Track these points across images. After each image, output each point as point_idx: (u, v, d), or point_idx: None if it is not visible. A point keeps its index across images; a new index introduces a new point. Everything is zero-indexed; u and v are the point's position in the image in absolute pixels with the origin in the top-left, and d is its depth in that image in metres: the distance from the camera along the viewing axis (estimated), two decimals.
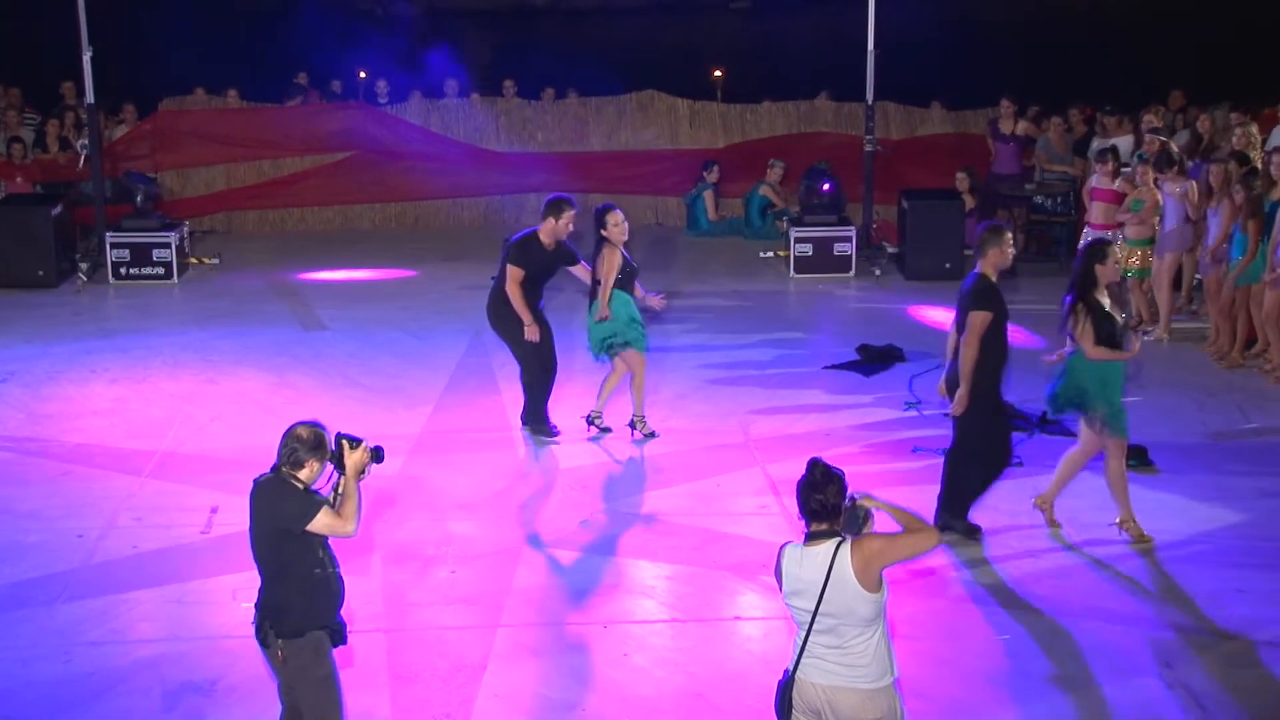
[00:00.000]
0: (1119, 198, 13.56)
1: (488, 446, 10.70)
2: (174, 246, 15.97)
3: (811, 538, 5.53)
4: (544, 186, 17.85)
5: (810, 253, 16.08)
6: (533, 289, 10.59)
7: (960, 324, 8.76)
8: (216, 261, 16.78)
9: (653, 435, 10.80)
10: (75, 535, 9.14)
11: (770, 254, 16.87)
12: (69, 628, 7.94)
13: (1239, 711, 7.00)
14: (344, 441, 6.02)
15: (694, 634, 7.93)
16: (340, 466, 6.01)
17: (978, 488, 9.00)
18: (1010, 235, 8.93)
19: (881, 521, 5.54)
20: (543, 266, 10.62)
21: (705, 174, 18.34)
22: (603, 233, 10.39)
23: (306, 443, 5.95)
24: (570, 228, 10.53)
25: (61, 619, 8.05)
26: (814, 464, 5.58)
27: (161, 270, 15.95)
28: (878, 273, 16.11)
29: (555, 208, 10.51)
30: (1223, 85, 17.86)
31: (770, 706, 5.70)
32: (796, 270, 16.07)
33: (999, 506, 9.48)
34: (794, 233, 16.13)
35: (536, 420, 10.84)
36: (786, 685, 5.60)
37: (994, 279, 8.68)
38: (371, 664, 7.53)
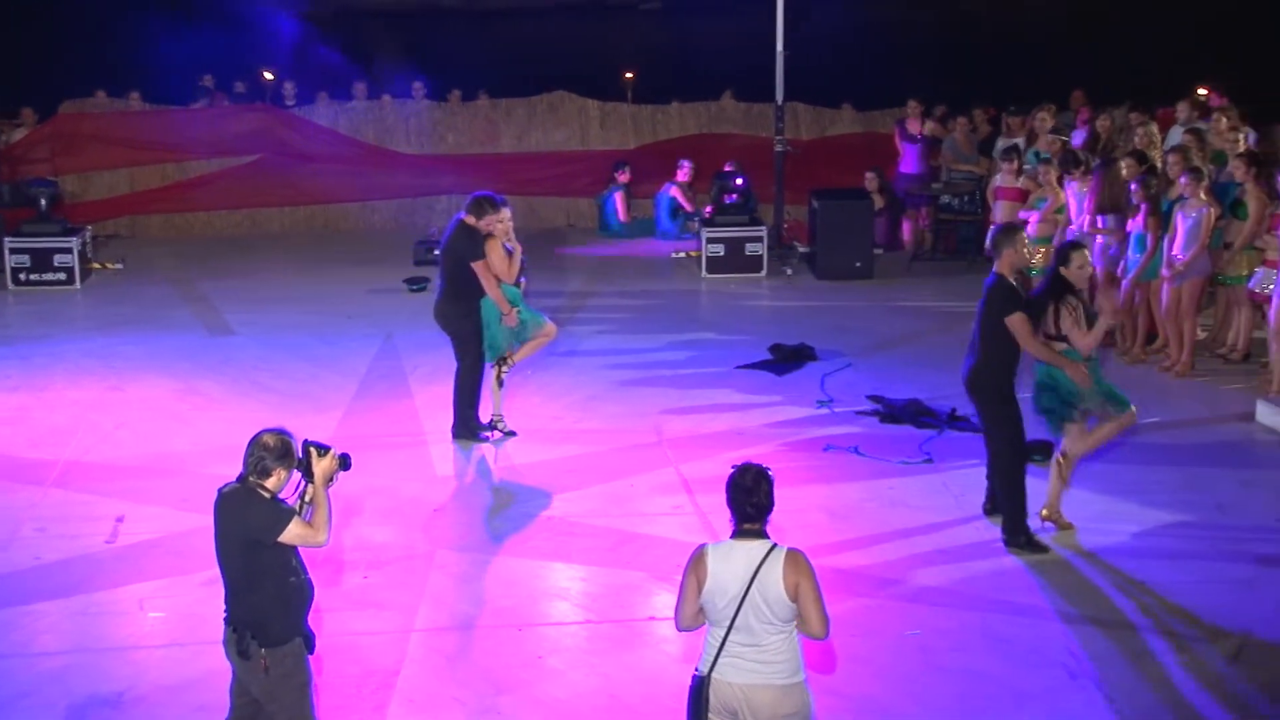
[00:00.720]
0: (1023, 195, 13.78)
1: (400, 450, 10.62)
2: (76, 252, 15.74)
3: (741, 534, 5.59)
4: (455, 189, 17.81)
5: (722, 253, 16.15)
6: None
7: (980, 320, 8.82)
8: (120, 266, 16.53)
9: (511, 434, 10.81)
10: None
11: (682, 254, 16.92)
12: None
13: (1144, 701, 7.11)
14: (312, 449, 5.93)
15: (608, 635, 7.93)
16: (309, 474, 5.92)
17: (1021, 491, 8.95)
18: (1025, 234, 8.98)
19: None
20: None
21: (616, 175, 18.36)
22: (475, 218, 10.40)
23: (274, 451, 5.85)
24: (490, 229, 10.43)
25: None
26: (744, 468, 5.64)
27: (63, 276, 15.71)
28: (789, 272, 16.21)
29: (476, 208, 10.40)
30: (1123, 85, 18.15)
31: (684, 706, 5.71)
32: (708, 270, 16.13)
33: (908, 502, 9.58)
34: (705, 233, 16.19)
35: (467, 425, 10.77)
36: (700, 686, 5.61)
37: (1011, 279, 8.77)
38: None
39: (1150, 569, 8.56)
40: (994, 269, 8.89)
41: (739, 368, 12.61)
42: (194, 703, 7.16)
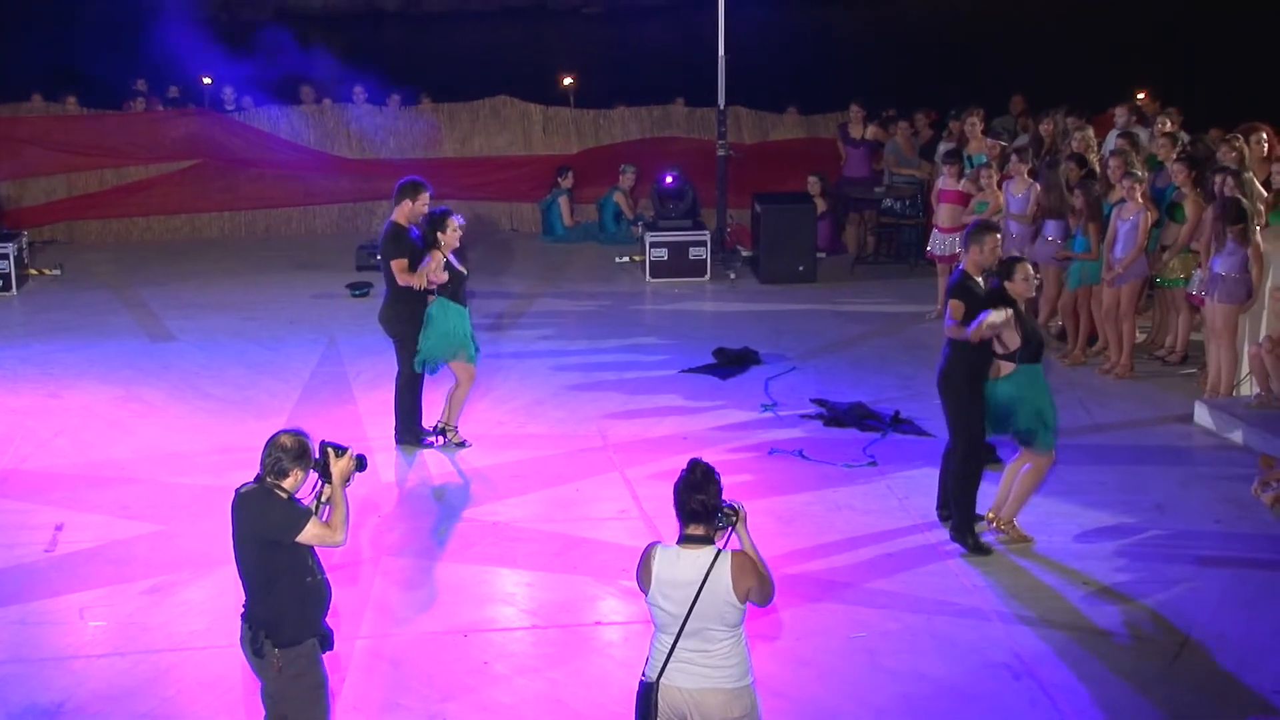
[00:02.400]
0: (965, 199, 13.86)
1: None
2: (12, 258, 15.52)
3: (687, 540, 5.54)
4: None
5: (665, 257, 16.16)
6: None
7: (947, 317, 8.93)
8: (58, 272, 16.33)
9: (463, 444, 10.72)
10: None
11: (625, 259, 16.92)
12: None
13: (1086, 701, 7.19)
14: (329, 449, 5.99)
15: (554, 640, 7.92)
16: (325, 475, 5.98)
17: (974, 492, 9.01)
18: (997, 235, 8.98)
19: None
20: (418, 251, 10.40)
21: (560, 179, 18.33)
22: (439, 235, 10.30)
23: (291, 451, 5.90)
24: (426, 209, 10.39)
25: None
26: (694, 464, 5.59)
27: None
28: (732, 276, 16.25)
29: (411, 190, 10.34)
30: (1061, 90, 18.36)
31: (630, 710, 5.71)
32: (652, 275, 16.14)
33: (852, 505, 9.63)
34: (649, 237, 16.20)
35: (410, 430, 10.71)
36: (648, 692, 5.60)
37: (977, 276, 8.81)
38: (226, 679, 7.38)
39: (1092, 570, 8.65)
40: (960, 265, 8.94)
41: (683, 372, 12.62)
42: (135, 711, 7.10)
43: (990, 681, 7.39)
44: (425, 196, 10.35)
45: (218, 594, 8.34)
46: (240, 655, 7.54)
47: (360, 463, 6.05)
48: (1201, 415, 11.22)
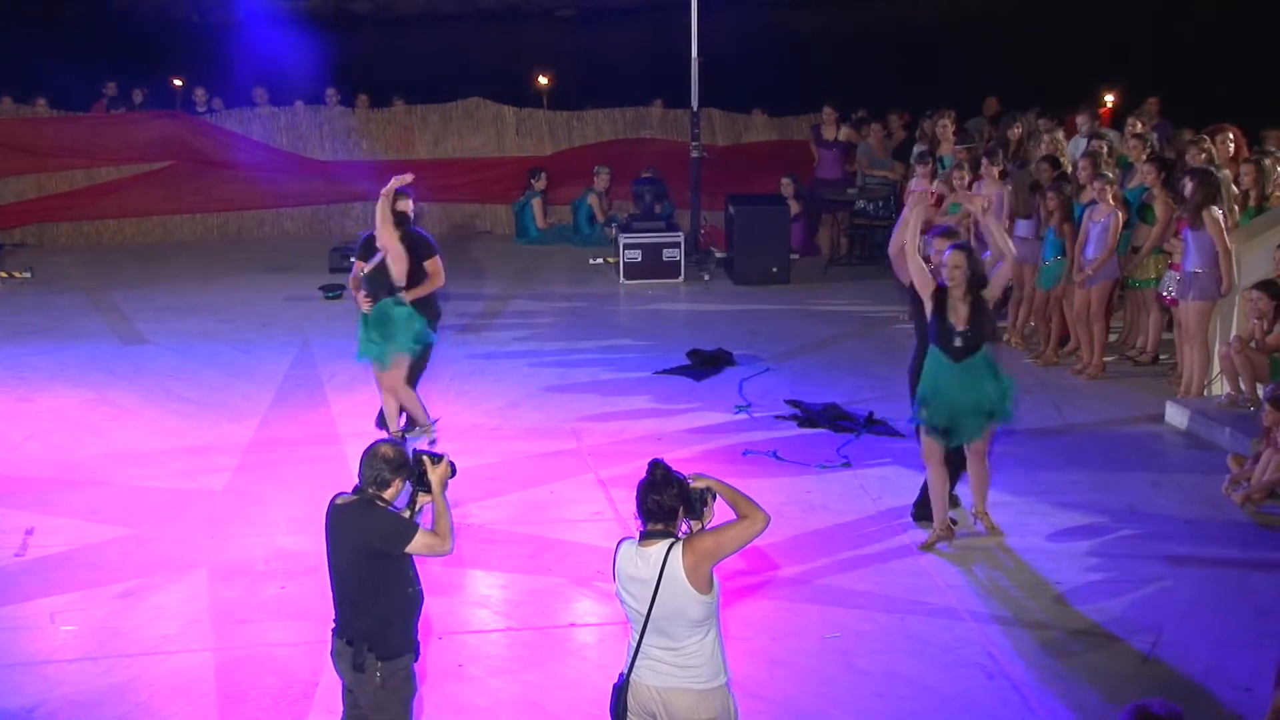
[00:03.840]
0: (938, 200, 13.88)
1: (316, 459, 10.51)
2: None
3: (646, 537, 5.54)
4: (370, 195, 17.61)
5: (639, 259, 16.16)
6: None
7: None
8: (28, 275, 16.25)
9: (431, 433, 10.66)
10: None
11: (600, 260, 16.94)
12: None
13: (1057, 700, 7.21)
14: (425, 459, 5.98)
15: (529, 642, 7.91)
16: (423, 484, 5.97)
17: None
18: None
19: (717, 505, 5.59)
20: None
21: (533, 181, 18.32)
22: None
23: (392, 462, 5.88)
24: (409, 211, 10.38)
25: None
26: (655, 465, 5.60)
27: None
28: (706, 278, 16.27)
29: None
30: (1033, 92, 18.43)
31: (606, 712, 5.71)
32: (626, 276, 16.15)
33: (827, 506, 9.65)
34: (623, 239, 16.21)
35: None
36: (621, 689, 5.61)
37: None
38: (200, 683, 7.35)
39: (1065, 570, 8.68)
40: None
41: (657, 373, 12.63)
42: (107, 717, 7.06)
43: (964, 681, 7.41)
44: (406, 203, 10.32)
45: (190, 598, 8.32)
46: (213, 659, 7.58)
47: (452, 469, 6.06)
48: (1173, 415, 11.29)
